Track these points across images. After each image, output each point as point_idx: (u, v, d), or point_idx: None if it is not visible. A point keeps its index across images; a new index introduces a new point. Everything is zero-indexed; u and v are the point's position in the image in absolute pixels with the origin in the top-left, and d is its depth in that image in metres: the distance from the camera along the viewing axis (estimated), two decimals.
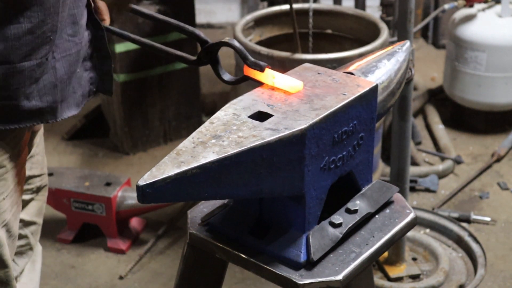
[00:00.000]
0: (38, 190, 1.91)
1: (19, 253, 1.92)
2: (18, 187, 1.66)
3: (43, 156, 1.91)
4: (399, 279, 2.93)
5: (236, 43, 1.43)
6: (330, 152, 1.37)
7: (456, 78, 4.03)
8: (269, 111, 1.33)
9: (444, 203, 3.48)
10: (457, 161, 3.80)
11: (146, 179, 1.14)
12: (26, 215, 1.90)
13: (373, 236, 1.45)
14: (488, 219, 3.34)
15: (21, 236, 1.90)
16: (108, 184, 3.14)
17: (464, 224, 3.27)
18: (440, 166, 3.71)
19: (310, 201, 1.35)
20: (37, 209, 1.94)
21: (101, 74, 1.69)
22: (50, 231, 3.20)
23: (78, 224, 3.20)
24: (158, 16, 1.58)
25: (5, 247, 1.65)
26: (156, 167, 1.17)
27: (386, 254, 2.98)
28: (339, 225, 1.40)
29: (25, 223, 1.90)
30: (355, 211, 1.45)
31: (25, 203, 1.88)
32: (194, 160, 1.18)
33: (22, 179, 1.68)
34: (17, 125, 1.50)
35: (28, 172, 1.83)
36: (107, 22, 1.66)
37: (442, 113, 4.26)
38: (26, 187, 1.86)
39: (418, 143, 4.00)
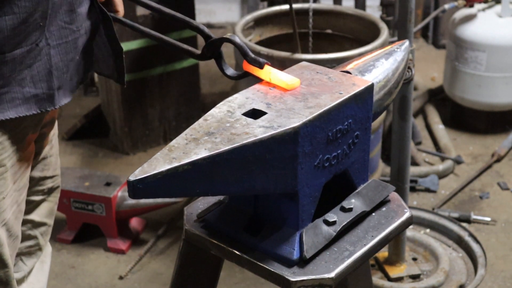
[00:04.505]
0: (50, 191, 1.91)
1: (28, 253, 1.93)
2: (18, 186, 1.66)
3: (57, 157, 1.92)
4: (399, 279, 2.93)
5: (237, 39, 1.44)
6: (324, 150, 1.37)
7: (456, 78, 4.03)
8: (264, 109, 1.34)
9: (444, 203, 3.48)
10: (457, 161, 3.80)
11: (137, 174, 1.15)
12: (36, 216, 1.90)
13: (368, 235, 1.45)
14: (488, 219, 3.34)
15: (30, 237, 1.91)
16: (108, 184, 3.14)
17: (464, 224, 3.27)
18: (440, 166, 3.70)
19: (304, 199, 1.35)
20: (48, 210, 1.94)
21: (115, 65, 1.70)
22: None
23: (78, 224, 3.21)
24: (164, 10, 1.59)
25: (5, 247, 1.65)
26: (148, 163, 1.17)
27: (386, 254, 2.98)
28: (333, 223, 1.40)
29: (35, 224, 1.91)
30: (350, 210, 1.45)
31: (36, 204, 1.89)
32: (186, 157, 1.18)
33: (23, 178, 1.68)
34: (16, 114, 1.50)
35: (39, 174, 1.84)
36: (120, 14, 1.67)
37: (442, 113, 4.26)
38: (37, 188, 1.86)
39: (418, 143, 4.00)
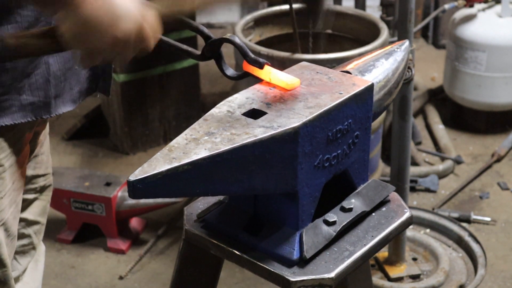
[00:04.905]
0: (42, 189, 1.91)
1: (22, 252, 1.93)
2: (17, 186, 1.66)
3: (48, 156, 1.92)
4: (399, 279, 2.93)
5: (237, 40, 1.44)
6: (324, 150, 1.37)
7: (456, 78, 4.03)
8: (264, 109, 1.34)
9: (444, 203, 3.48)
10: (457, 161, 3.80)
11: (137, 174, 1.14)
12: (29, 214, 1.90)
13: (368, 235, 1.45)
14: (488, 219, 3.34)
15: (24, 236, 1.90)
16: (108, 184, 3.14)
17: (464, 224, 3.27)
18: (440, 166, 3.71)
19: (304, 198, 1.35)
20: (41, 209, 1.94)
21: (102, 74, 1.69)
22: (50, 231, 3.20)
23: (78, 224, 3.21)
24: None
25: (3, 246, 1.65)
26: (148, 163, 1.17)
27: (386, 254, 2.99)
28: (333, 223, 1.40)
29: (28, 223, 1.91)
30: (350, 210, 1.45)
31: (29, 203, 1.89)
32: (186, 157, 1.18)
33: (21, 178, 1.68)
34: (12, 121, 1.51)
35: (31, 172, 1.83)
36: None
37: (442, 113, 4.26)
38: (29, 186, 1.86)
39: (418, 143, 4.00)
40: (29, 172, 1.83)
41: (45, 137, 1.87)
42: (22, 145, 1.63)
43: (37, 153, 1.84)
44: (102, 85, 1.72)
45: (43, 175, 1.90)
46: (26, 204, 1.88)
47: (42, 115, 1.55)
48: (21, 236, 1.90)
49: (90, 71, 1.67)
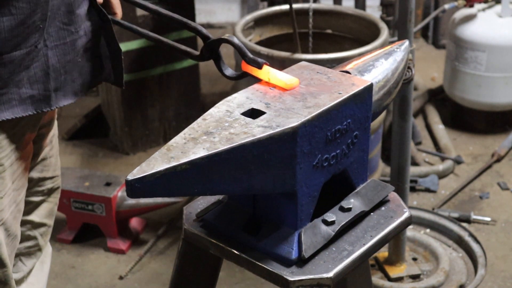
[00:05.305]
0: (49, 192, 1.91)
1: (27, 254, 1.93)
2: (17, 186, 1.66)
3: (57, 158, 1.92)
4: (399, 279, 2.93)
5: (236, 40, 1.44)
6: (323, 150, 1.37)
7: (456, 78, 4.03)
8: (263, 109, 1.34)
9: (444, 203, 3.48)
10: (457, 161, 3.80)
11: (135, 173, 1.14)
12: (36, 216, 1.90)
13: (367, 235, 1.45)
14: (488, 219, 3.34)
15: (30, 237, 1.91)
16: (108, 184, 3.14)
17: (464, 224, 3.27)
18: (440, 166, 3.71)
19: (302, 198, 1.35)
20: (48, 211, 1.94)
21: (113, 67, 1.69)
22: None
23: (78, 224, 3.21)
24: (162, 11, 1.59)
25: (3, 246, 1.65)
26: (146, 162, 1.17)
27: (386, 254, 2.99)
28: (332, 223, 1.40)
29: (34, 225, 1.91)
30: (349, 210, 1.45)
31: (35, 205, 1.89)
32: (184, 156, 1.18)
33: (22, 178, 1.68)
34: (12, 115, 1.50)
35: (38, 174, 1.84)
36: (118, 16, 1.67)
37: (442, 113, 4.26)
38: (36, 189, 1.86)
39: (418, 143, 4.00)
40: (36, 174, 1.84)
41: (54, 139, 1.87)
42: (23, 144, 1.63)
43: (46, 156, 1.84)
44: (116, 78, 1.72)
45: (51, 178, 1.90)
46: (32, 206, 1.88)
47: (42, 108, 1.55)
48: (27, 237, 1.90)
49: (96, 64, 1.67)
